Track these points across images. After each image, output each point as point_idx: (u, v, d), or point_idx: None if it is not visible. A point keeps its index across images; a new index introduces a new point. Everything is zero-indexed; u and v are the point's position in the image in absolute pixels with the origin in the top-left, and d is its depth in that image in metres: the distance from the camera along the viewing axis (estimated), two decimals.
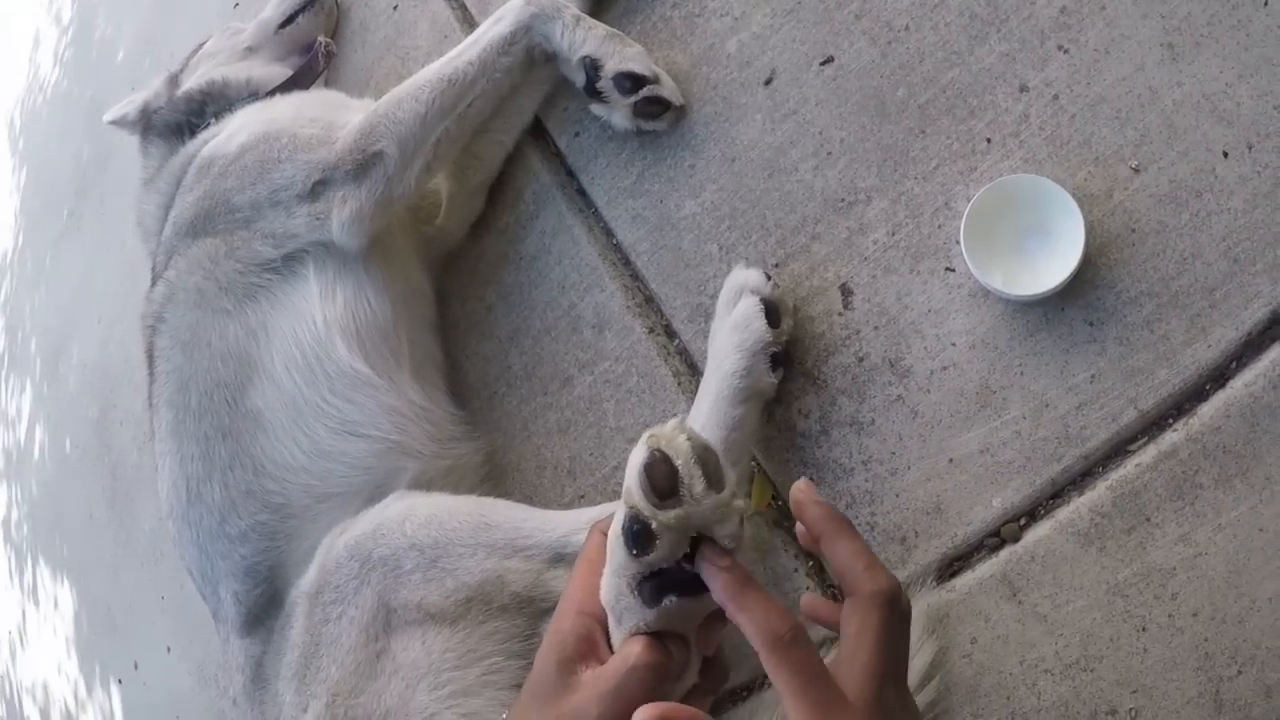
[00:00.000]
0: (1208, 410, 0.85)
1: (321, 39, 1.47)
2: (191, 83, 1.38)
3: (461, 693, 0.87)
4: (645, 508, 0.56)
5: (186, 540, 1.10)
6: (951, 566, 0.94)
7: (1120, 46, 0.91)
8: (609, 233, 1.18)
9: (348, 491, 1.07)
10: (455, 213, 1.27)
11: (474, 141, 1.21)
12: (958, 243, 0.92)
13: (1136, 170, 0.89)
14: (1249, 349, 0.84)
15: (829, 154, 1.04)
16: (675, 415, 1.10)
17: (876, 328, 0.99)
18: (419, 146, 1.10)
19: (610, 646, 0.62)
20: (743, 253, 1.07)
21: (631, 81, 1.09)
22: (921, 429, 0.95)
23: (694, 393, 1.08)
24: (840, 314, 1.01)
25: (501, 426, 1.24)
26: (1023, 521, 0.91)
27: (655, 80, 1.10)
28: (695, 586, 0.59)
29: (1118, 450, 0.88)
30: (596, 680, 0.60)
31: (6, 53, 3.26)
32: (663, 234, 1.13)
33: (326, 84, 1.49)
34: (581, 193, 1.21)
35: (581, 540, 0.91)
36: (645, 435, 0.57)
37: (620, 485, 1.14)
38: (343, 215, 1.08)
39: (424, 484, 1.09)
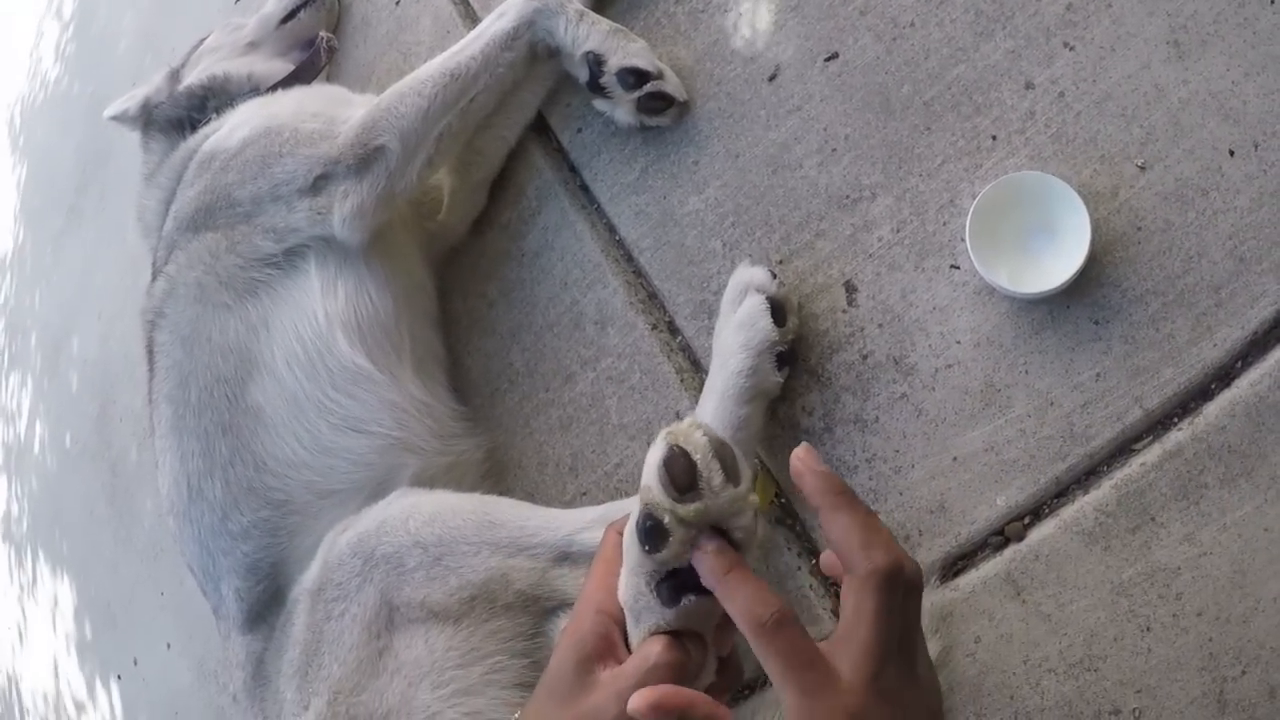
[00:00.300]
0: (1213, 409, 0.84)
1: (323, 34, 1.46)
2: (193, 78, 1.38)
3: (464, 691, 0.87)
4: (664, 501, 0.56)
5: (188, 537, 1.09)
6: (955, 565, 0.93)
7: (1126, 44, 0.91)
8: (612, 229, 1.18)
9: (350, 488, 1.06)
10: (457, 208, 1.27)
11: (476, 137, 1.21)
12: (963, 240, 0.92)
13: (1142, 168, 0.89)
14: (1255, 348, 0.84)
15: (833, 150, 1.04)
16: (677, 412, 1.10)
17: (881, 325, 0.99)
18: (421, 141, 1.10)
19: (628, 646, 0.62)
20: (746, 249, 1.07)
21: (635, 77, 1.09)
22: (926, 427, 0.95)
23: (697, 390, 1.08)
24: (844, 311, 1.01)
25: (503, 423, 1.23)
26: (1027, 520, 0.91)
27: (659, 76, 1.10)
28: None
29: (1123, 449, 0.88)
30: (615, 679, 0.60)
31: (7, 49, 3.25)
32: (666, 230, 1.13)
33: (328, 79, 1.49)
34: (584, 189, 1.21)
35: (585, 539, 0.91)
36: (662, 432, 0.58)
37: (621, 483, 1.15)
38: (344, 210, 1.08)
39: (425, 481, 1.08)
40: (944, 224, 0.97)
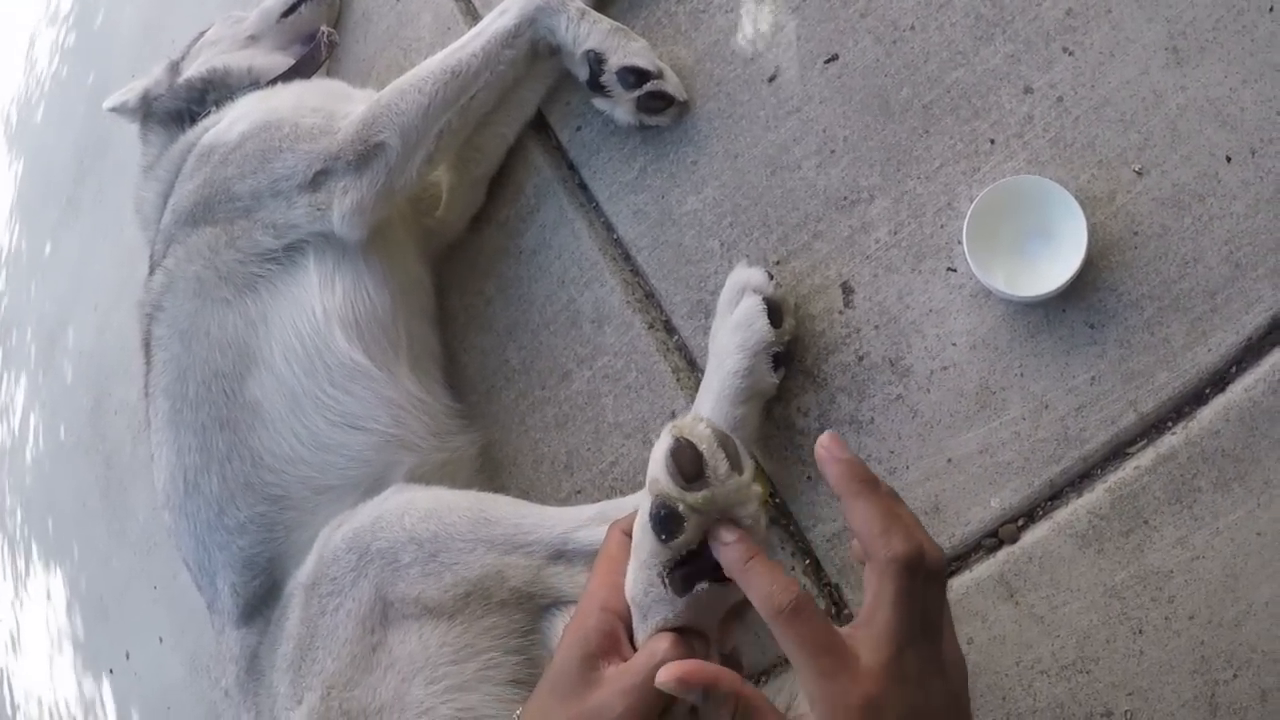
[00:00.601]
0: (1207, 414, 0.85)
1: (324, 29, 1.46)
2: (192, 70, 1.37)
3: (458, 687, 0.87)
4: (673, 491, 0.58)
5: (183, 531, 1.09)
6: (949, 566, 0.94)
7: (1125, 50, 0.91)
8: (610, 227, 1.18)
9: (346, 484, 1.06)
10: (456, 205, 1.27)
11: (476, 134, 1.21)
12: (960, 243, 0.92)
13: (1139, 173, 0.89)
14: (1249, 354, 0.84)
15: (832, 152, 1.04)
16: (672, 411, 1.10)
17: (877, 327, 0.99)
18: (421, 138, 1.10)
19: (633, 643, 0.62)
20: (744, 250, 1.07)
21: (635, 76, 1.09)
22: (921, 428, 0.95)
23: (693, 389, 1.08)
24: (841, 312, 1.01)
25: (499, 420, 1.24)
26: (1021, 522, 0.91)
27: (659, 75, 1.10)
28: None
29: (1117, 453, 0.88)
30: (621, 675, 0.60)
31: (7, 39, 3.24)
32: (664, 229, 1.13)
33: (328, 74, 1.49)
34: (583, 187, 1.21)
35: (581, 537, 0.91)
36: (666, 427, 0.60)
37: (616, 481, 1.15)
38: (344, 206, 1.08)
39: (419, 477, 1.08)
40: (941, 227, 0.97)
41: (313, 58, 1.42)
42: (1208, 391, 0.85)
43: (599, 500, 1.05)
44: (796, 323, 1.01)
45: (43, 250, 2.57)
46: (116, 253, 2.10)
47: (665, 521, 0.59)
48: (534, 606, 0.91)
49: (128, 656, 1.94)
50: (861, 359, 0.99)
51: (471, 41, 1.13)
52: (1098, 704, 0.85)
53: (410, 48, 1.42)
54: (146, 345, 1.17)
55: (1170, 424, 0.86)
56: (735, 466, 0.60)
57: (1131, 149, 0.90)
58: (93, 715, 2.09)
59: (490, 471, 1.22)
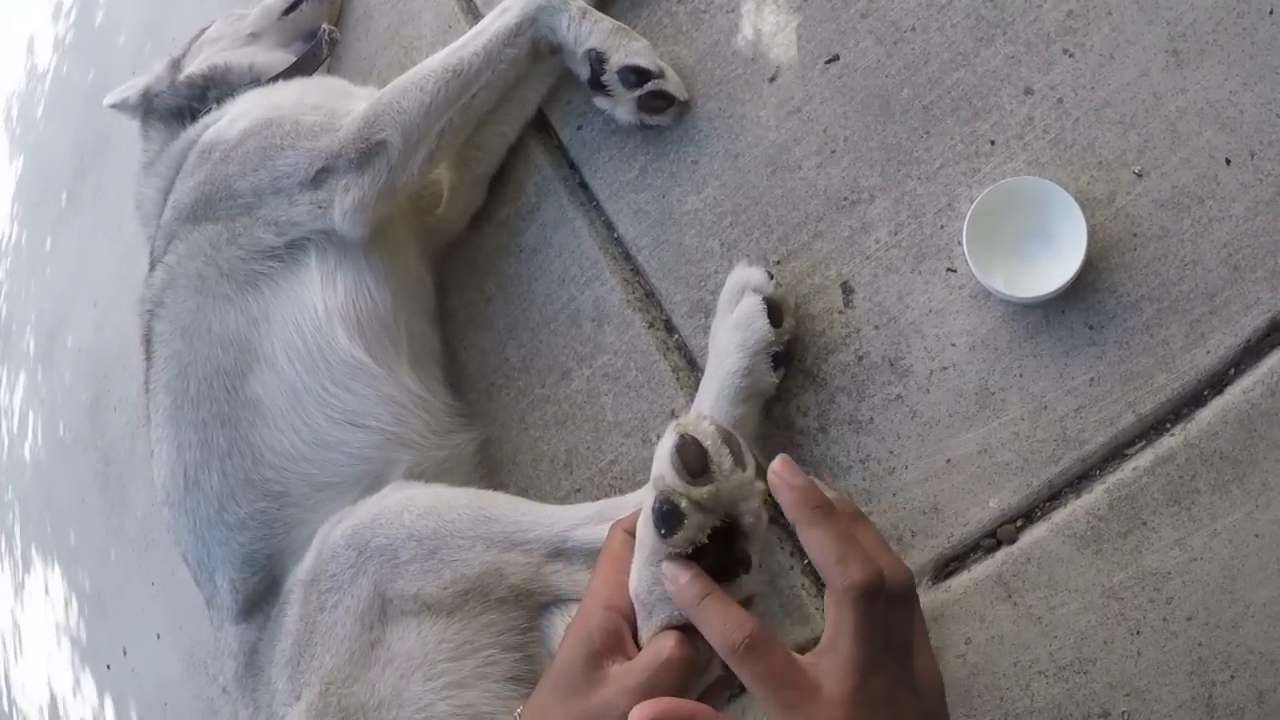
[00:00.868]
0: (1206, 416, 0.85)
1: (325, 26, 1.46)
2: (194, 67, 1.37)
3: (456, 684, 0.87)
4: (678, 486, 0.59)
5: (183, 527, 1.09)
6: (947, 567, 0.94)
7: (1125, 52, 0.91)
8: (610, 226, 1.18)
9: (346, 481, 1.06)
10: (456, 203, 1.27)
11: (477, 132, 1.21)
12: (960, 243, 0.93)
13: (1139, 175, 0.90)
14: (1248, 356, 0.84)
15: (832, 152, 1.04)
16: (672, 410, 1.10)
17: (877, 327, 0.99)
18: (423, 136, 1.10)
19: (637, 642, 0.62)
20: (744, 249, 1.07)
21: (636, 76, 1.09)
22: (920, 429, 0.96)
23: (692, 388, 1.08)
24: (841, 312, 1.01)
25: (498, 419, 1.24)
26: (1019, 523, 0.91)
27: (660, 75, 1.10)
28: (729, 572, 0.62)
29: (1115, 454, 0.88)
30: (626, 674, 0.60)
31: (7, 35, 3.24)
32: (664, 229, 1.13)
33: (329, 72, 1.49)
34: (583, 186, 1.21)
35: (580, 536, 0.92)
36: (671, 424, 0.61)
37: (615, 480, 1.15)
38: (345, 204, 1.08)
39: (418, 475, 1.08)
40: (941, 227, 0.97)
41: (314, 55, 1.42)
42: (1206, 393, 0.86)
43: (598, 499, 1.05)
44: (796, 322, 1.01)
45: (42, 246, 2.57)
46: (116, 250, 2.10)
47: (666, 517, 0.59)
48: (533, 604, 0.92)
49: (125, 652, 1.94)
50: (861, 359, 1.00)
51: (473, 40, 1.13)
52: (1095, 705, 0.85)
53: (411, 46, 1.43)
54: (147, 341, 1.17)
55: (1169, 426, 0.86)
56: (739, 463, 0.61)
57: (1131, 151, 0.90)
58: (90, 711, 2.09)
59: (489, 469, 1.22)
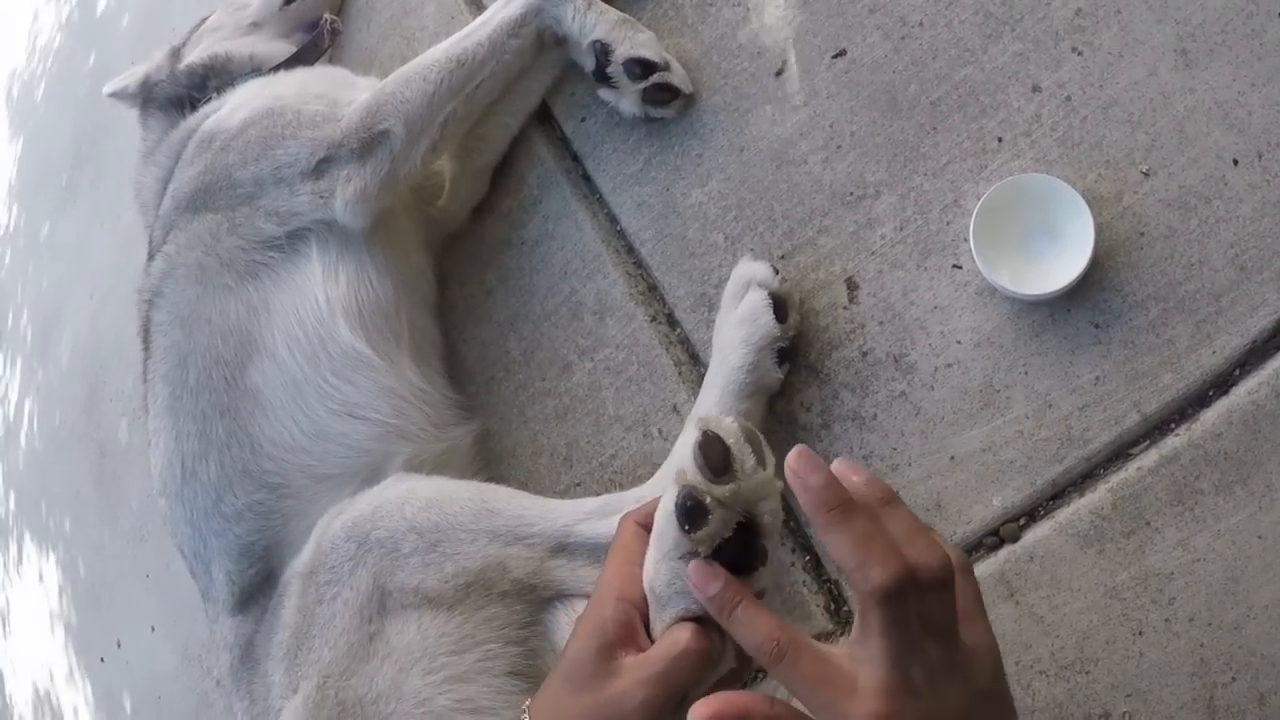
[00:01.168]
0: (1210, 416, 0.85)
1: (327, 16, 1.45)
2: (194, 56, 1.36)
3: (456, 678, 0.86)
4: (700, 483, 0.59)
5: (179, 518, 1.09)
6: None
7: (1134, 51, 0.91)
8: (613, 219, 1.18)
9: (345, 473, 1.06)
10: (458, 194, 1.26)
11: (480, 123, 1.20)
12: (966, 240, 0.92)
13: (1147, 174, 0.89)
14: (1253, 356, 0.84)
15: (838, 147, 1.03)
16: (674, 405, 1.10)
17: (881, 323, 0.99)
18: (426, 127, 1.09)
19: (649, 634, 0.62)
20: (748, 243, 1.07)
21: (641, 68, 1.09)
22: (924, 425, 0.95)
23: (694, 382, 1.08)
24: (845, 308, 1.01)
25: (498, 412, 1.23)
26: (1022, 521, 0.91)
27: (665, 67, 1.09)
28: (747, 567, 0.62)
29: (1119, 453, 0.88)
30: (641, 665, 0.60)
31: (6, 23, 3.23)
32: (668, 222, 1.13)
33: (330, 63, 1.48)
34: (586, 178, 1.21)
35: (583, 530, 0.91)
36: (693, 419, 0.61)
37: (616, 474, 1.14)
38: (347, 194, 1.07)
39: (416, 467, 1.08)
40: (947, 224, 0.97)
41: (315, 45, 1.41)
42: (1211, 394, 0.85)
43: (598, 493, 1.05)
44: (801, 318, 1.01)
45: (40, 233, 2.56)
46: (113, 239, 2.09)
47: (691, 513, 0.59)
48: (535, 599, 0.91)
49: (119, 645, 1.94)
50: (865, 355, 0.99)
51: (477, 30, 1.12)
52: (1096, 705, 0.85)
53: (414, 37, 1.42)
54: (145, 331, 1.16)
55: (1173, 425, 0.86)
56: (761, 462, 0.61)
57: (1139, 150, 0.90)
58: (84, 703, 2.08)
59: (488, 462, 1.21)
